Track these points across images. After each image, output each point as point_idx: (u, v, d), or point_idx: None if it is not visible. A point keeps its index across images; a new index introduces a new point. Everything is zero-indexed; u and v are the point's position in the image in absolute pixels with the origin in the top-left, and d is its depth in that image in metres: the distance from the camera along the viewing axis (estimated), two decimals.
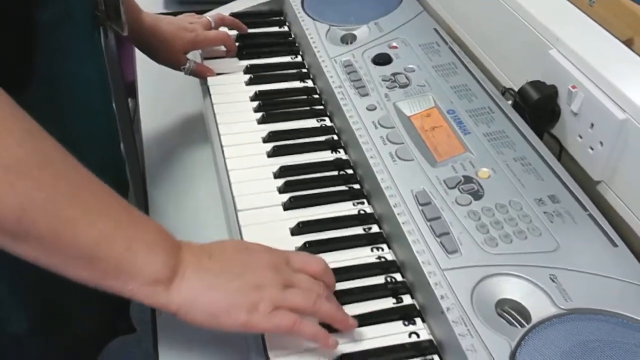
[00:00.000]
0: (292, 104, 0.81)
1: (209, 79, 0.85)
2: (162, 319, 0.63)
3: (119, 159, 0.83)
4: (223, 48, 0.88)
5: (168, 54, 0.84)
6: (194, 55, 0.87)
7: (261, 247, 0.55)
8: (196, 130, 0.89)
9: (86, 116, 0.68)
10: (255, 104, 0.81)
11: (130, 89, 1.26)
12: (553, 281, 0.53)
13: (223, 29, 0.91)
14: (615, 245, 0.57)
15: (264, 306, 0.49)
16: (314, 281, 0.53)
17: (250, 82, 0.85)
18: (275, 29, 0.97)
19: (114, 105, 0.81)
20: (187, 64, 0.84)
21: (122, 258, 0.47)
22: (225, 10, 0.96)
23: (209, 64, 0.87)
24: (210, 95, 0.83)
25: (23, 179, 0.44)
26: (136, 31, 0.81)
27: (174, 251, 0.50)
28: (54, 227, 0.45)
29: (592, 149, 0.66)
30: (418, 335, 0.54)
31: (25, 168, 0.44)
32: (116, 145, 0.82)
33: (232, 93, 0.83)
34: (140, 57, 0.96)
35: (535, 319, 0.51)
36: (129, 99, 1.48)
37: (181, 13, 0.90)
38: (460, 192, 0.62)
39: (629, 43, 0.68)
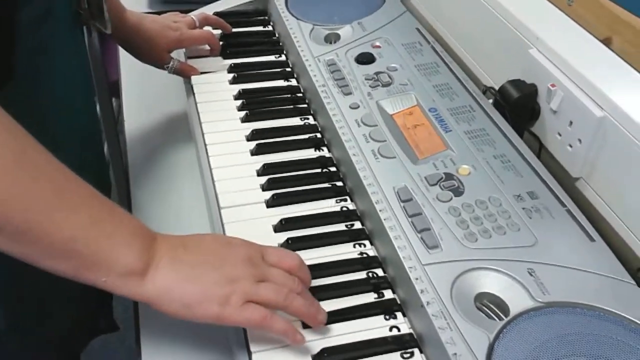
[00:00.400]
0: (275, 103, 0.82)
1: (192, 77, 0.85)
2: (144, 315, 0.63)
3: (101, 158, 0.83)
4: (207, 47, 0.88)
5: (152, 53, 0.84)
6: (178, 55, 0.87)
7: (238, 240, 0.56)
8: (180, 129, 0.89)
9: (68, 114, 0.68)
10: (239, 102, 0.81)
11: (114, 89, 1.26)
12: (531, 275, 0.54)
13: (207, 28, 0.91)
14: (592, 240, 0.58)
15: (236, 299, 0.50)
16: (288, 276, 0.54)
17: (234, 81, 0.85)
18: (260, 28, 0.97)
19: (97, 105, 0.81)
20: (171, 63, 0.84)
21: (98, 251, 0.48)
22: (209, 10, 0.96)
23: (193, 63, 0.87)
24: (194, 94, 0.83)
25: (0, 175, 0.44)
26: (120, 29, 0.81)
27: (149, 243, 0.51)
28: (31, 222, 0.45)
29: (570, 146, 0.67)
30: (399, 329, 0.55)
31: (2, 164, 0.45)
32: (99, 144, 0.82)
33: (216, 92, 0.83)
34: (124, 56, 0.96)
35: (513, 312, 0.52)
36: (113, 99, 1.48)
37: (165, 12, 0.91)
38: (441, 188, 0.63)
39: (607, 42, 0.69)
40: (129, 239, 0.50)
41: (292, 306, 0.52)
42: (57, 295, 0.67)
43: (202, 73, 0.86)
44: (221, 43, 0.90)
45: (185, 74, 0.85)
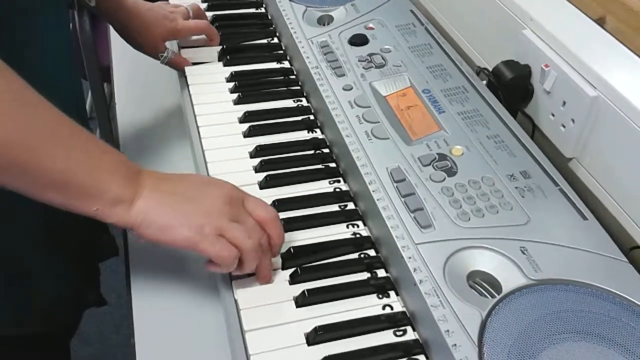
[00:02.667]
0: (268, 85, 0.81)
1: (182, 50, 0.84)
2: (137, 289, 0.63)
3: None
4: (202, 36, 0.87)
5: (147, 41, 0.83)
6: (172, 45, 0.86)
7: (222, 181, 0.59)
8: (172, 112, 0.88)
9: (51, 90, 0.67)
10: (231, 84, 0.81)
11: (107, 74, 1.25)
12: (523, 253, 0.54)
13: None
14: (585, 218, 0.58)
15: (209, 230, 0.54)
16: (259, 230, 0.56)
17: (226, 64, 0.84)
18: (252, 10, 0.96)
19: (83, 86, 0.79)
20: (166, 53, 0.83)
21: (90, 182, 0.52)
22: None
23: (186, 51, 0.86)
24: (186, 76, 0.82)
25: (2, 114, 0.48)
26: (117, 14, 0.80)
27: (135, 175, 0.55)
28: (31, 157, 0.49)
29: (564, 126, 0.67)
30: (392, 308, 0.55)
31: (2, 104, 0.48)
32: (84, 124, 0.81)
33: (208, 74, 0.83)
34: (115, 40, 0.95)
35: (505, 289, 0.52)
36: (105, 84, 1.47)
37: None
38: (435, 169, 0.63)
39: (600, 22, 0.69)
40: (117, 171, 0.54)
41: (250, 256, 0.55)
42: (41, 268, 0.67)
43: (194, 63, 0.84)
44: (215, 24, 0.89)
45: (178, 66, 0.84)
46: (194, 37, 0.87)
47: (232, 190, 0.58)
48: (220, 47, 0.86)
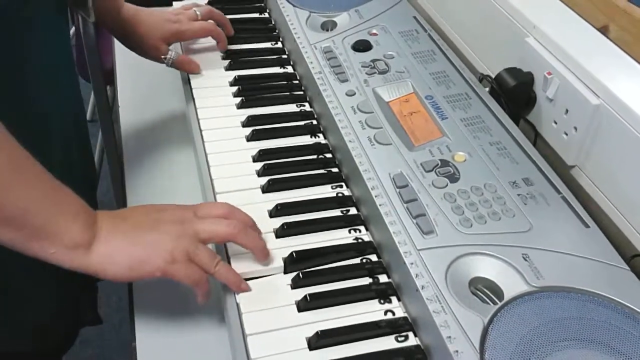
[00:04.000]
0: (271, 89, 0.81)
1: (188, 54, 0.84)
2: (139, 303, 0.63)
3: (85, 141, 0.82)
4: (210, 39, 0.86)
5: (147, 45, 0.82)
6: (176, 47, 0.85)
7: (169, 205, 0.59)
8: (175, 116, 0.89)
9: (51, 94, 0.67)
10: (234, 89, 0.81)
11: (109, 76, 1.25)
12: (525, 260, 0.54)
13: None
14: (587, 226, 0.58)
15: (179, 255, 0.54)
16: (223, 220, 0.58)
17: (230, 68, 0.84)
18: (256, 15, 0.97)
19: (83, 91, 0.80)
20: (169, 55, 0.82)
21: (48, 224, 0.52)
22: None
23: (190, 57, 0.85)
24: (189, 80, 0.83)
25: None
26: (116, 23, 0.80)
27: (92, 219, 0.55)
28: None
29: (566, 134, 0.68)
30: (393, 313, 0.55)
31: None
32: (83, 126, 0.81)
33: (212, 78, 0.83)
34: (118, 44, 0.95)
35: (507, 296, 0.52)
36: (108, 87, 1.47)
37: None
38: (437, 175, 0.63)
39: (603, 30, 0.69)
40: (75, 215, 0.53)
41: (240, 236, 0.56)
42: (34, 286, 0.67)
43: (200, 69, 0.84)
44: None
45: (183, 67, 0.83)
46: (202, 40, 0.87)
47: (180, 209, 0.58)
48: (224, 51, 0.87)
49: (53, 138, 0.68)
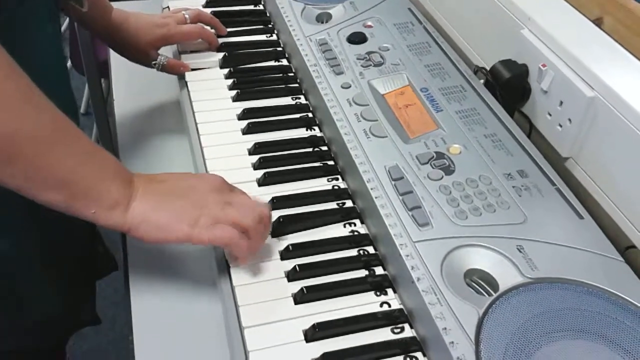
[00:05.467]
0: (267, 82, 0.81)
1: (182, 56, 0.84)
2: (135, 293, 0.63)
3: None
4: (200, 41, 0.86)
5: (136, 50, 0.82)
6: (166, 52, 0.85)
7: (209, 174, 0.61)
8: (170, 109, 0.88)
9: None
10: (229, 82, 0.81)
11: (104, 69, 1.24)
12: (520, 252, 0.54)
13: None
14: (581, 217, 0.58)
15: (204, 220, 0.55)
16: (254, 206, 0.58)
17: (224, 61, 0.84)
18: (250, 7, 0.96)
19: (76, 85, 0.79)
20: (158, 59, 0.81)
21: (90, 184, 0.53)
22: None
23: (185, 57, 0.84)
24: (184, 73, 0.82)
25: (10, 111, 0.48)
26: (105, 28, 0.80)
27: (128, 179, 0.56)
28: (37, 155, 0.50)
29: (560, 126, 0.68)
30: (389, 305, 0.55)
31: (12, 101, 0.49)
32: (74, 120, 0.81)
33: (207, 71, 0.83)
34: None
35: (502, 287, 0.52)
36: (102, 79, 1.46)
37: None
38: (432, 167, 0.63)
39: (598, 22, 0.69)
40: (114, 175, 0.55)
41: (255, 231, 0.56)
42: (33, 286, 0.67)
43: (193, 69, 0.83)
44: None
45: (174, 70, 0.82)
46: (195, 42, 0.86)
47: (219, 180, 0.59)
48: (219, 44, 0.86)
49: None
